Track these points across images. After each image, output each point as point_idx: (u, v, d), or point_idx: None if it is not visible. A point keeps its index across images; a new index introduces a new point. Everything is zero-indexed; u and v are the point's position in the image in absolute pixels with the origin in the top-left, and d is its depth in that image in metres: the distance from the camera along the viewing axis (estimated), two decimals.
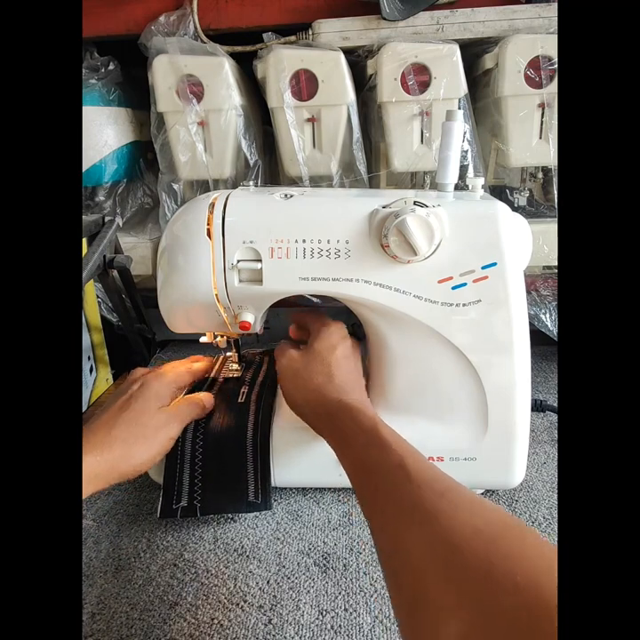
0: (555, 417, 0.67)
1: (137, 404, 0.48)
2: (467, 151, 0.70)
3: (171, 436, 0.48)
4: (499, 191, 0.78)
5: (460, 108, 0.67)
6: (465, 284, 0.45)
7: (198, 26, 0.72)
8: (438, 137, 0.58)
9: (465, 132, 0.68)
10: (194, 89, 0.70)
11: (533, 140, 0.70)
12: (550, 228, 0.72)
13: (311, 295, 0.72)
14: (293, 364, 0.49)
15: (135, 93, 0.80)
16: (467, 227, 0.44)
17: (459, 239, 0.44)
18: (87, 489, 0.41)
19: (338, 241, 0.45)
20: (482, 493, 0.53)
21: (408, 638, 0.27)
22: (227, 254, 0.46)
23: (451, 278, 0.45)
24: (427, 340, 0.47)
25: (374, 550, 0.46)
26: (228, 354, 0.60)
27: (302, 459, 0.51)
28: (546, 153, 0.70)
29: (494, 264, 0.44)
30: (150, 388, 0.49)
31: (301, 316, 0.55)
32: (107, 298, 0.78)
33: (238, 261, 0.46)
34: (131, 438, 0.45)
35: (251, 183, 0.53)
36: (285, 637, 0.39)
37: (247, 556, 0.46)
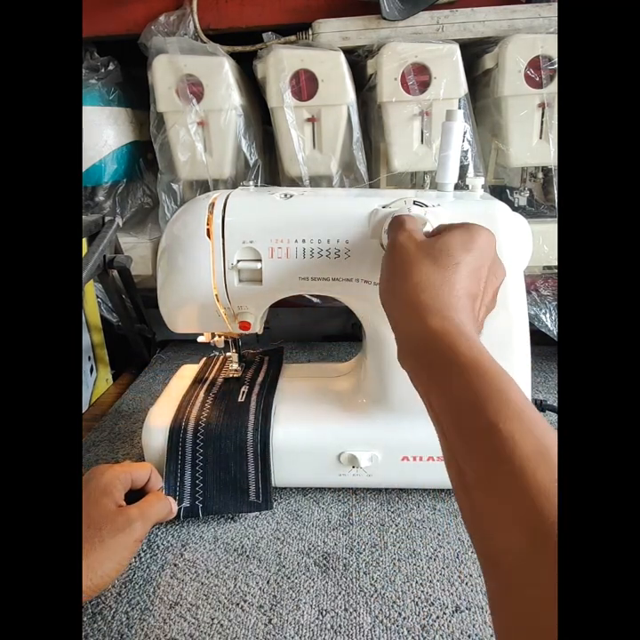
0: (555, 417, 0.67)
1: (86, 505, 0.41)
2: (467, 151, 0.70)
3: (135, 538, 0.41)
4: (499, 191, 0.78)
5: (460, 108, 0.67)
6: None
7: (198, 26, 0.72)
8: (438, 137, 0.58)
9: (465, 132, 0.68)
10: (194, 89, 0.70)
11: (533, 139, 0.70)
12: (550, 228, 0.72)
13: (311, 295, 0.72)
14: (412, 244, 0.36)
15: (135, 93, 0.80)
16: None
17: None
18: None
19: (338, 241, 0.45)
20: None
21: None
22: (226, 254, 0.46)
23: None
24: None
25: (374, 550, 0.47)
26: (228, 354, 0.60)
27: (302, 459, 0.52)
28: (546, 153, 0.70)
29: None
30: (97, 484, 0.43)
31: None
32: (107, 298, 0.78)
33: (238, 261, 0.46)
34: (85, 545, 0.38)
35: (251, 183, 0.53)
36: (285, 637, 0.39)
37: (247, 556, 0.46)
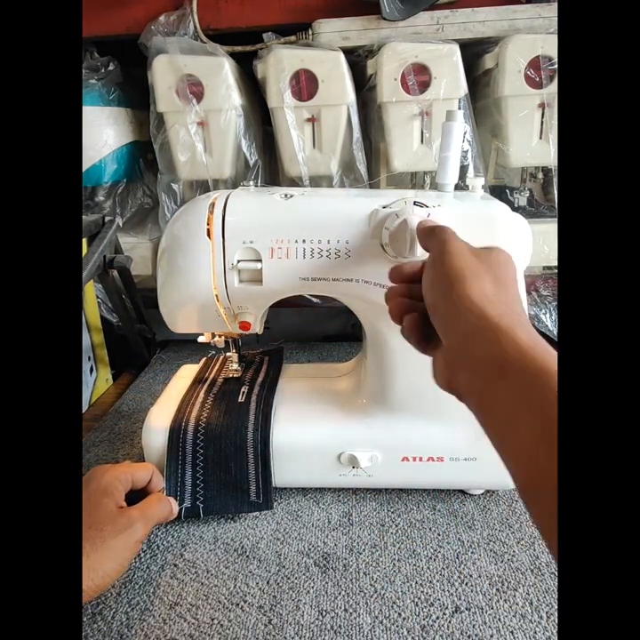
0: None
1: (87, 505, 0.41)
2: (467, 151, 0.70)
3: (136, 538, 0.41)
4: (499, 191, 0.78)
5: (459, 108, 0.67)
6: None
7: (198, 26, 0.72)
8: (438, 137, 0.58)
9: (465, 132, 0.68)
10: (194, 89, 0.70)
11: (533, 140, 0.70)
12: (550, 228, 0.72)
13: (311, 295, 0.72)
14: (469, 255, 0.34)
15: (135, 93, 0.80)
16: (466, 227, 0.44)
17: None
18: None
19: (338, 241, 0.45)
20: (482, 493, 0.53)
21: None
22: (227, 254, 0.46)
23: None
24: None
25: (374, 550, 0.47)
26: (228, 354, 0.60)
27: (302, 459, 0.51)
28: (546, 153, 0.70)
29: None
30: (98, 484, 0.43)
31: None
32: (107, 298, 0.78)
33: (238, 261, 0.46)
34: (86, 546, 0.38)
35: (251, 183, 0.53)
36: (285, 637, 0.39)
37: (247, 556, 0.46)
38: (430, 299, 0.34)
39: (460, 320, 0.31)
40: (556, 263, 0.74)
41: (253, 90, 0.77)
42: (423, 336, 0.35)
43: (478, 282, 0.32)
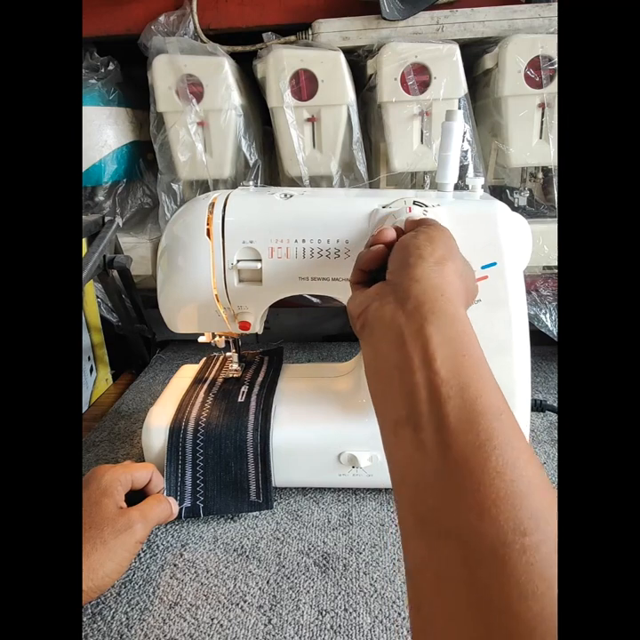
0: (555, 417, 0.67)
1: (87, 505, 0.41)
2: (467, 151, 0.70)
3: (136, 539, 0.41)
4: (499, 191, 0.78)
5: (459, 108, 0.67)
6: None
7: (198, 26, 0.72)
8: (438, 137, 0.58)
9: (465, 132, 0.68)
10: (194, 89, 0.70)
11: (533, 140, 0.70)
12: (550, 228, 0.72)
13: (311, 295, 0.72)
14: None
15: (135, 93, 0.80)
16: (466, 226, 0.44)
17: (458, 239, 0.44)
18: None
19: (338, 241, 0.45)
20: None
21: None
22: (226, 254, 0.46)
23: None
24: None
25: (374, 550, 0.47)
26: (228, 354, 0.60)
27: (302, 459, 0.52)
28: (546, 153, 0.70)
29: (494, 264, 0.44)
30: (98, 485, 0.43)
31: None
32: (107, 298, 0.78)
33: (238, 261, 0.46)
34: (86, 546, 0.39)
35: (251, 183, 0.53)
36: (285, 637, 0.39)
37: (247, 556, 0.46)
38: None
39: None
40: (555, 263, 0.74)
41: (253, 90, 0.77)
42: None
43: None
